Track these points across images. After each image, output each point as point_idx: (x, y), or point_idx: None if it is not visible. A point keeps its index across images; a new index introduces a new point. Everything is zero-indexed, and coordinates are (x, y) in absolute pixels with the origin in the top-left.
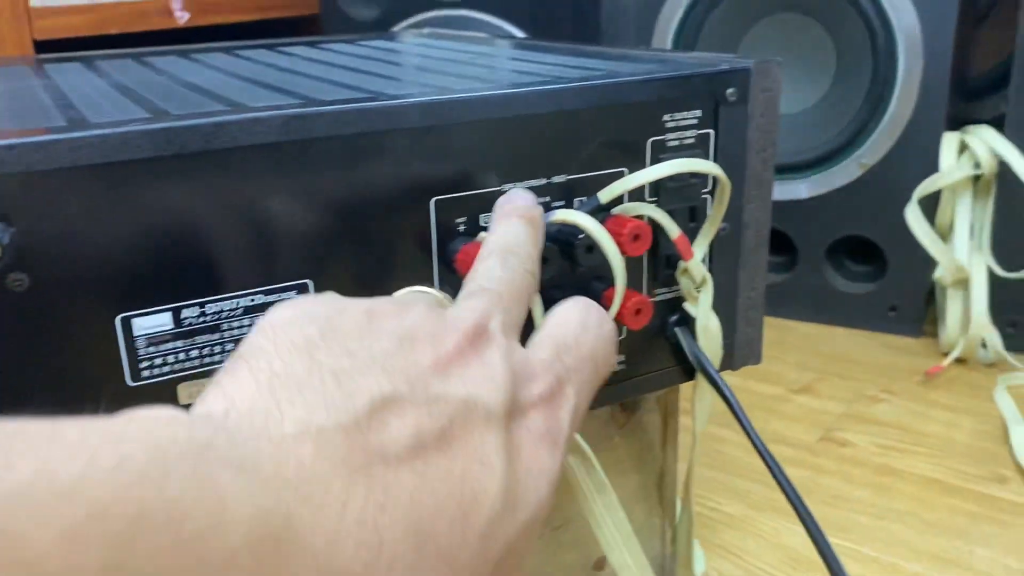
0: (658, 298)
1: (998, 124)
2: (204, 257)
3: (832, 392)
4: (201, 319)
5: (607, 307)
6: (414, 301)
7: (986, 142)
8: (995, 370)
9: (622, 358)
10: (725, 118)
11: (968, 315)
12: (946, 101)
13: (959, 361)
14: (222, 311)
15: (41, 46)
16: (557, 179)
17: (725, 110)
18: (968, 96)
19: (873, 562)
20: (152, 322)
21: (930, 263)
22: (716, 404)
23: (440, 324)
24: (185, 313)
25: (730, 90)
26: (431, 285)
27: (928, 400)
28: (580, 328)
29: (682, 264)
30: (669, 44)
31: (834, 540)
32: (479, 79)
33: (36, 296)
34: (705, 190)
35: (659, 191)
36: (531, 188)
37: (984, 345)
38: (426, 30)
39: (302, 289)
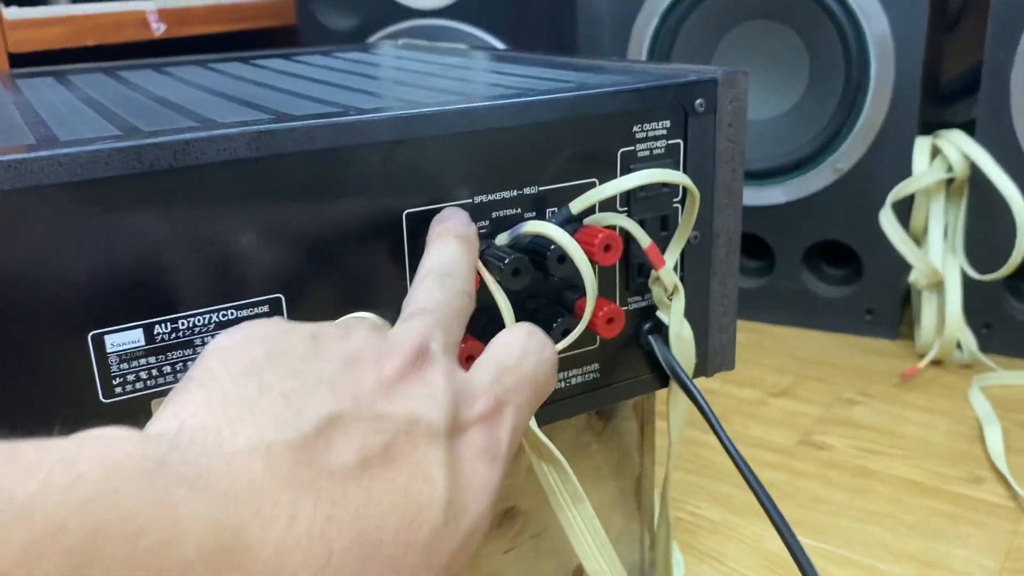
0: (631, 307)
1: (969, 128)
2: (175, 273)
3: (810, 395)
4: (174, 335)
5: (579, 316)
6: (357, 325)
7: (958, 146)
8: (970, 371)
9: (596, 367)
10: (694, 128)
11: (943, 317)
12: (918, 106)
13: (935, 363)
14: (194, 326)
15: (16, 59)
16: (529, 191)
17: (694, 120)
18: (940, 101)
19: (852, 564)
20: (124, 339)
21: (905, 266)
22: (694, 410)
23: (383, 346)
24: (157, 329)
25: (698, 101)
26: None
27: (904, 402)
28: (521, 352)
29: (654, 273)
30: (645, 52)
31: (813, 543)
32: (451, 92)
33: (6, 314)
34: (676, 199)
35: (630, 201)
36: (503, 199)
37: (959, 346)
38: (401, 41)
39: (274, 303)
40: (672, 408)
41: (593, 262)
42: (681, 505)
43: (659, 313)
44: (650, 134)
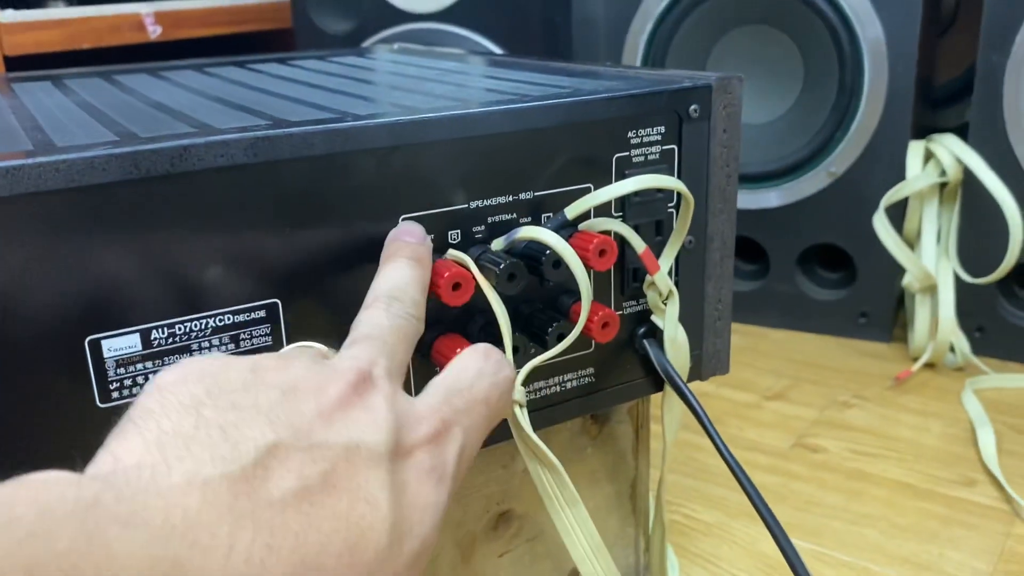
0: (626, 311)
1: (962, 132)
2: (172, 278)
3: (804, 398)
4: (170, 339)
5: (575, 321)
6: (298, 355)
7: (951, 150)
8: (963, 374)
9: (591, 371)
10: (688, 134)
11: (936, 320)
12: (911, 110)
13: (928, 366)
14: (191, 331)
15: (12, 62)
16: (524, 196)
17: (688, 126)
18: (933, 105)
19: (845, 567)
20: (121, 343)
21: (899, 270)
22: (688, 413)
23: (323, 374)
24: (154, 334)
25: (693, 106)
26: None
27: (898, 405)
28: (475, 374)
29: (648, 277)
30: (639, 57)
31: (807, 545)
32: (447, 97)
33: (4, 320)
34: (670, 204)
35: (625, 206)
36: (498, 205)
37: (952, 350)
38: (396, 45)
39: (271, 308)
40: (667, 411)
41: (588, 267)
42: (676, 508)
43: (654, 317)
44: (645, 139)
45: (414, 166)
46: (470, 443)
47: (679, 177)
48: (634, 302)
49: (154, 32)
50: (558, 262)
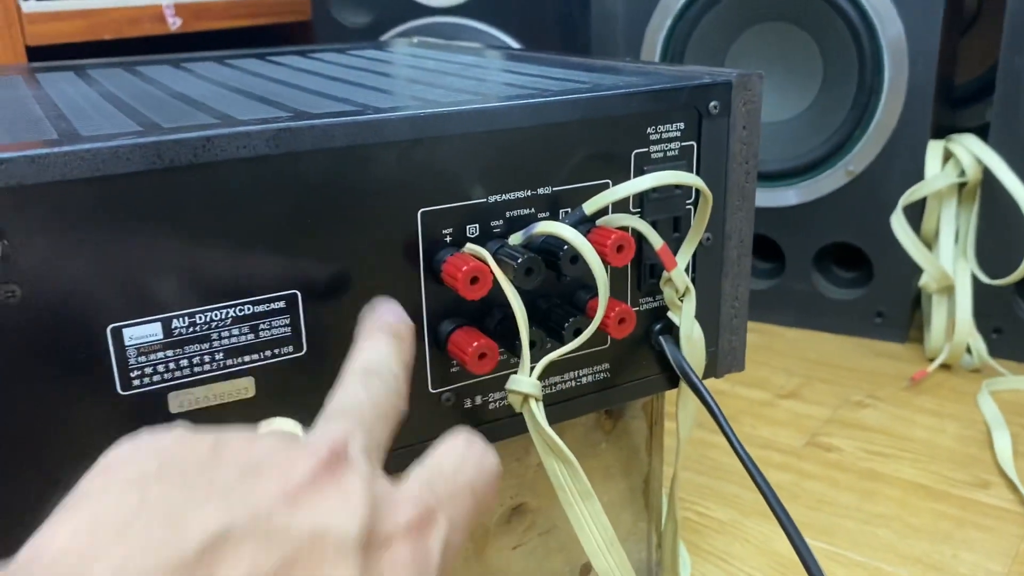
0: (642, 307)
1: (982, 132)
2: (193, 268)
3: (818, 397)
4: (191, 329)
5: (591, 316)
6: (267, 433)
7: (970, 150)
8: (979, 375)
9: (607, 366)
10: (708, 130)
11: (953, 321)
12: (931, 109)
13: (944, 367)
14: (211, 321)
15: (34, 52)
16: (543, 191)
17: (708, 122)
18: (953, 104)
19: (858, 566)
20: (143, 332)
21: (916, 270)
22: (703, 410)
23: (292, 452)
24: (175, 323)
25: (712, 103)
26: (419, 295)
27: (913, 405)
28: (459, 460)
29: (665, 274)
30: (658, 53)
31: (819, 544)
32: (467, 91)
33: (28, 307)
34: (688, 201)
35: (643, 202)
36: (517, 199)
37: (969, 351)
38: (415, 39)
39: (290, 300)
40: (681, 408)
41: (605, 263)
42: (689, 505)
43: (670, 314)
44: (664, 136)
45: (434, 159)
46: (455, 535)
47: (698, 174)
48: (651, 298)
49: (174, 24)
50: (576, 257)
